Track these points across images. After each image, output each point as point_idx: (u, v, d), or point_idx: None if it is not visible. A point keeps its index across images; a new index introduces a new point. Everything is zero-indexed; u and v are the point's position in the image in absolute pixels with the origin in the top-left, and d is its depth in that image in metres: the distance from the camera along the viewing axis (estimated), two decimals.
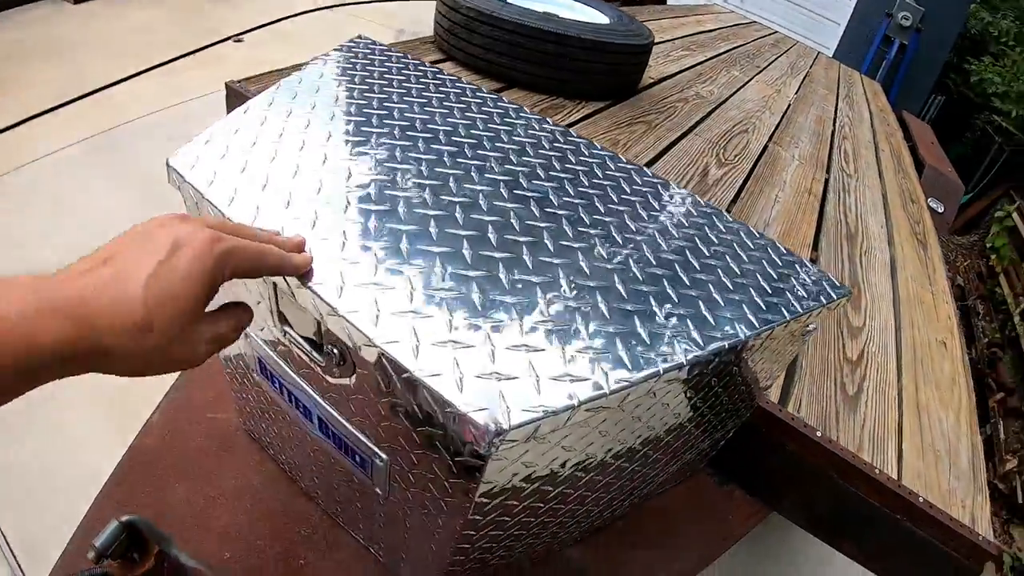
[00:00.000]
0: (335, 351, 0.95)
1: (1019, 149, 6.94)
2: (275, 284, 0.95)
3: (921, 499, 1.66)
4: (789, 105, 4.22)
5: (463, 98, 1.46)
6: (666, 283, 1.04)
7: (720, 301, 1.05)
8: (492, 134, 1.34)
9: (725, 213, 1.35)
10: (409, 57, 1.55)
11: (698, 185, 2.68)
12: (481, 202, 1.09)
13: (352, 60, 1.47)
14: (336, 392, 1.03)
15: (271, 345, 1.12)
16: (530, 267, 0.97)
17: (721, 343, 0.95)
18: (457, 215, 1.04)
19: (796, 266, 1.27)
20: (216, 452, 1.48)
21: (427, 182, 1.10)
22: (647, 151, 2.80)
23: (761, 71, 4.83)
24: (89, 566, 1.05)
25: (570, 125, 2.80)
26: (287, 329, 1.03)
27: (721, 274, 1.13)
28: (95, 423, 2.60)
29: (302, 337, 1.01)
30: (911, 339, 2.33)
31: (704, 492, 1.82)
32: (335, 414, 1.06)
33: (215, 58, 5.69)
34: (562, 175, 1.27)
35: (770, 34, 6.57)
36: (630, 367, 0.84)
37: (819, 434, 1.69)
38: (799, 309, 1.14)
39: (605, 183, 1.29)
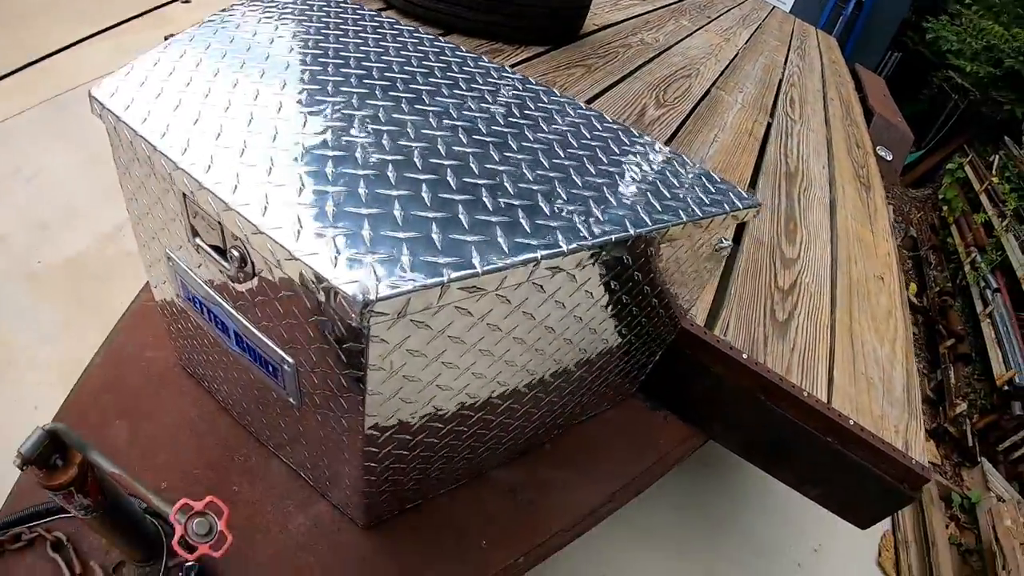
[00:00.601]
0: (236, 254, 0.97)
1: (975, 105, 7.03)
2: (184, 195, 0.98)
3: (852, 422, 1.70)
4: (737, 54, 4.23)
5: (378, 29, 1.48)
6: (557, 183, 1.06)
7: (613, 201, 1.07)
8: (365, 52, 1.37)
9: (633, 130, 1.38)
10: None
11: (634, 125, 2.66)
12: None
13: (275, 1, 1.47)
14: (244, 299, 1.05)
15: (189, 266, 1.14)
16: (419, 167, 0.99)
17: (607, 237, 0.98)
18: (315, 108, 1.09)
19: (703, 177, 1.29)
20: (155, 390, 1.52)
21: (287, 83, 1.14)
22: (583, 93, 2.79)
23: (712, 21, 4.81)
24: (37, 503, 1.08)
25: None
26: (198, 241, 1.04)
27: (618, 179, 1.15)
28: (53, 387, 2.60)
29: (209, 246, 1.03)
30: (848, 272, 2.37)
31: (635, 418, 1.85)
32: (245, 322, 1.08)
33: (163, 19, 5.56)
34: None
35: None
36: (507, 251, 0.86)
37: (745, 356, 1.72)
38: (698, 213, 1.16)
39: (566, 129, 1.31)
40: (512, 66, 2.79)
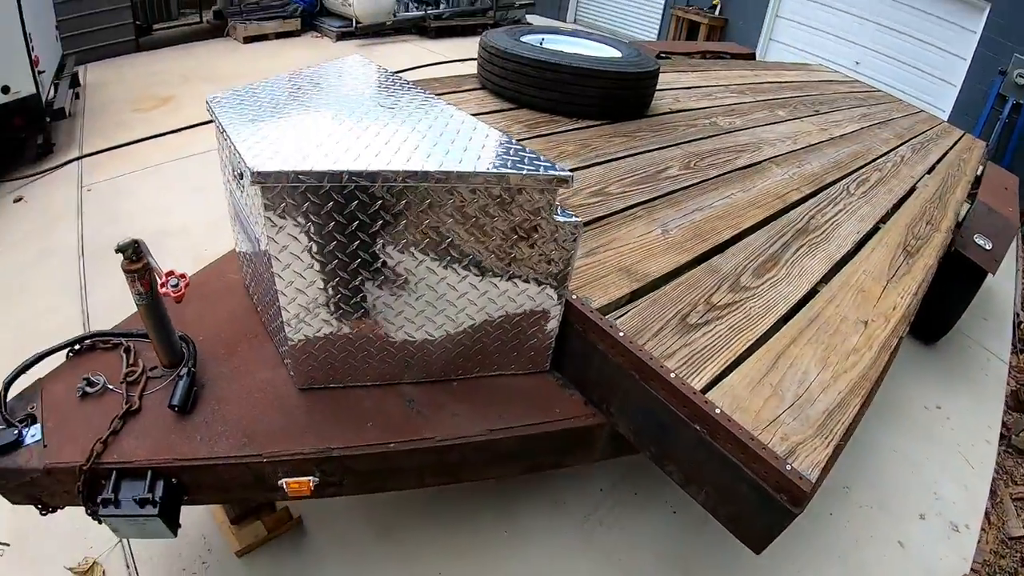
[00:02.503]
0: (239, 171, 1.72)
1: None
2: (230, 146, 1.75)
3: (718, 410, 1.78)
4: (825, 140, 4.31)
5: (383, 85, 2.28)
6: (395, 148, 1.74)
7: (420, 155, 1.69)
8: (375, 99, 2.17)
9: (492, 129, 1.93)
10: (381, 68, 2.41)
11: (643, 178, 3.02)
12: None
13: (340, 65, 2.37)
14: (249, 203, 1.80)
15: (233, 192, 2.02)
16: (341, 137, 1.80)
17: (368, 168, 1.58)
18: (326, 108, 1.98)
19: (524, 155, 1.78)
20: (221, 294, 2.48)
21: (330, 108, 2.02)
22: (606, 155, 3.18)
23: (818, 115, 4.90)
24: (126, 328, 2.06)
25: (553, 133, 3.37)
26: (229, 172, 1.91)
27: (436, 149, 1.74)
28: None
29: (237, 174, 1.81)
30: (819, 311, 2.43)
31: (543, 388, 2.21)
32: (251, 215, 1.82)
33: None
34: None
35: (868, 91, 6.47)
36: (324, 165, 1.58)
37: (622, 334, 2.00)
38: (501, 169, 1.68)
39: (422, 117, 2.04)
40: (557, 132, 3.35)
